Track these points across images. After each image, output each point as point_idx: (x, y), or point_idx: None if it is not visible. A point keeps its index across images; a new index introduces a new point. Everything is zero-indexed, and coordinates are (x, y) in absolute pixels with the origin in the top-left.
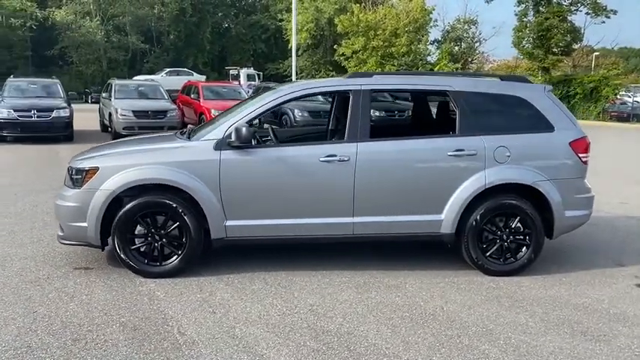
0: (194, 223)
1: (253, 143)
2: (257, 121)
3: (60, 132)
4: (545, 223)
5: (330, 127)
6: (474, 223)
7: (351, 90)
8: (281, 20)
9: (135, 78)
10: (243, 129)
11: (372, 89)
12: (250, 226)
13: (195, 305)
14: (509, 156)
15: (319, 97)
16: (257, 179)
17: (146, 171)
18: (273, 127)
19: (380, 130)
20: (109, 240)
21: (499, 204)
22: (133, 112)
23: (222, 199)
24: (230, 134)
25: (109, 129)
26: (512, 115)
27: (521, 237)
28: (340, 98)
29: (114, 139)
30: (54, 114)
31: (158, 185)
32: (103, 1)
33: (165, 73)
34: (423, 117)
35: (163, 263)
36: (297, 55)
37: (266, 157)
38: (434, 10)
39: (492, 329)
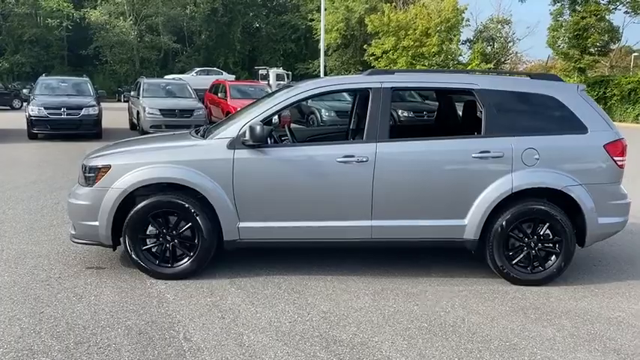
0: (206, 224)
1: (269, 142)
2: (276, 118)
3: (89, 130)
4: (576, 230)
5: (350, 127)
6: (500, 229)
7: (371, 87)
8: (311, 20)
9: (165, 77)
10: (258, 127)
11: (392, 87)
12: (264, 228)
13: (205, 310)
14: (538, 159)
15: (346, 96)
16: (271, 179)
17: (158, 170)
18: (294, 126)
19: (402, 130)
20: (121, 240)
21: (527, 209)
22: (160, 110)
23: (235, 200)
24: (244, 133)
25: (138, 127)
26: (541, 116)
27: (551, 244)
28: (361, 96)
29: None
30: (83, 112)
31: (170, 184)
32: (137, 1)
33: (196, 73)
34: (448, 117)
35: (175, 265)
36: (327, 55)
37: (281, 157)
38: (466, 9)
39: (516, 344)
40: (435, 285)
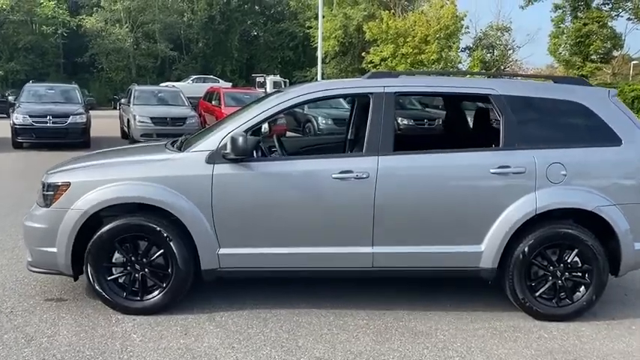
0: (182, 250)
1: (256, 155)
2: (266, 126)
3: (76, 138)
4: (609, 258)
5: (348, 137)
6: (522, 256)
7: (372, 92)
8: (309, 27)
9: (161, 85)
10: (240, 138)
11: (397, 92)
12: (248, 255)
13: (176, 355)
14: (565, 175)
15: (344, 103)
16: (257, 199)
17: (125, 187)
18: (289, 134)
19: (406, 142)
20: (83, 269)
21: (553, 233)
22: (151, 118)
23: (214, 223)
24: (225, 145)
25: (129, 136)
26: (569, 125)
27: (579, 274)
28: (360, 103)
29: None
30: (70, 120)
31: (140, 205)
32: (133, 8)
33: (192, 80)
34: (458, 126)
35: (145, 297)
36: (324, 63)
37: (268, 173)
38: (465, 16)
39: None
40: (448, 322)
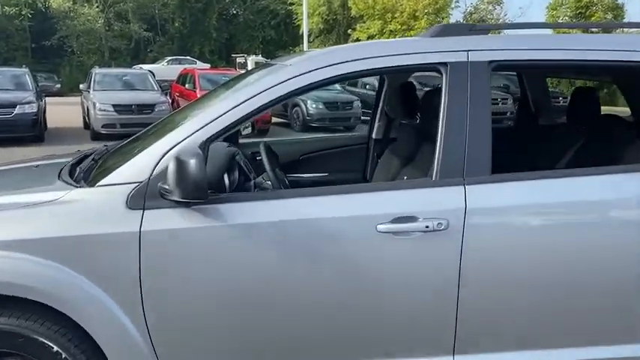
0: None
1: (228, 184)
2: (249, 129)
3: (26, 132)
4: None
5: (374, 137)
6: None
7: (446, 63)
8: (291, 4)
9: (134, 68)
10: (193, 162)
11: (493, 61)
12: None
13: None
14: None
15: (336, 84)
16: (231, 279)
17: None
18: (267, 131)
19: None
20: None
21: None
22: (114, 106)
23: (148, 327)
24: (165, 172)
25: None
26: None
27: None
28: (404, 86)
29: (93, 139)
30: (17, 110)
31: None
32: None
33: (167, 62)
34: (590, 119)
35: None
36: (309, 42)
37: (253, 227)
38: None
39: None
40: None
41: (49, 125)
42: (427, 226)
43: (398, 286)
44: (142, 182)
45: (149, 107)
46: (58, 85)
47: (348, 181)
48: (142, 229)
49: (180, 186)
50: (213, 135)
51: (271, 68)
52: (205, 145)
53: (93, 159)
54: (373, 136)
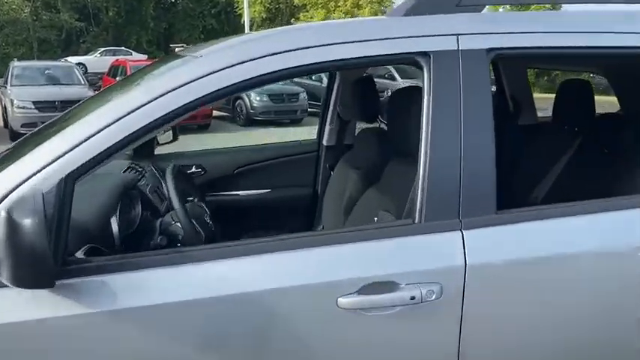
0: None
1: (117, 234)
2: (169, 134)
3: None
4: None
5: (325, 159)
6: None
7: (428, 53)
8: None
9: (62, 60)
10: (28, 225)
11: (492, 48)
12: None
13: None
14: None
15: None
16: None
17: None
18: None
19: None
20: None
21: None
22: (34, 103)
23: None
24: None
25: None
26: None
27: None
28: (361, 81)
29: (11, 139)
30: None
31: None
32: None
33: (99, 54)
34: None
35: None
36: (251, 32)
37: (135, 313)
38: None
39: None
40: None
41: None
42: (413, 297)
43: None
44: None
45: (74, 103)
46: None
47: (295, 198)
48: None
49: (10, 262)
50: (75, 170)
51: (188, 59)
52: (65, 183)
53: None
54: (324, 142)
